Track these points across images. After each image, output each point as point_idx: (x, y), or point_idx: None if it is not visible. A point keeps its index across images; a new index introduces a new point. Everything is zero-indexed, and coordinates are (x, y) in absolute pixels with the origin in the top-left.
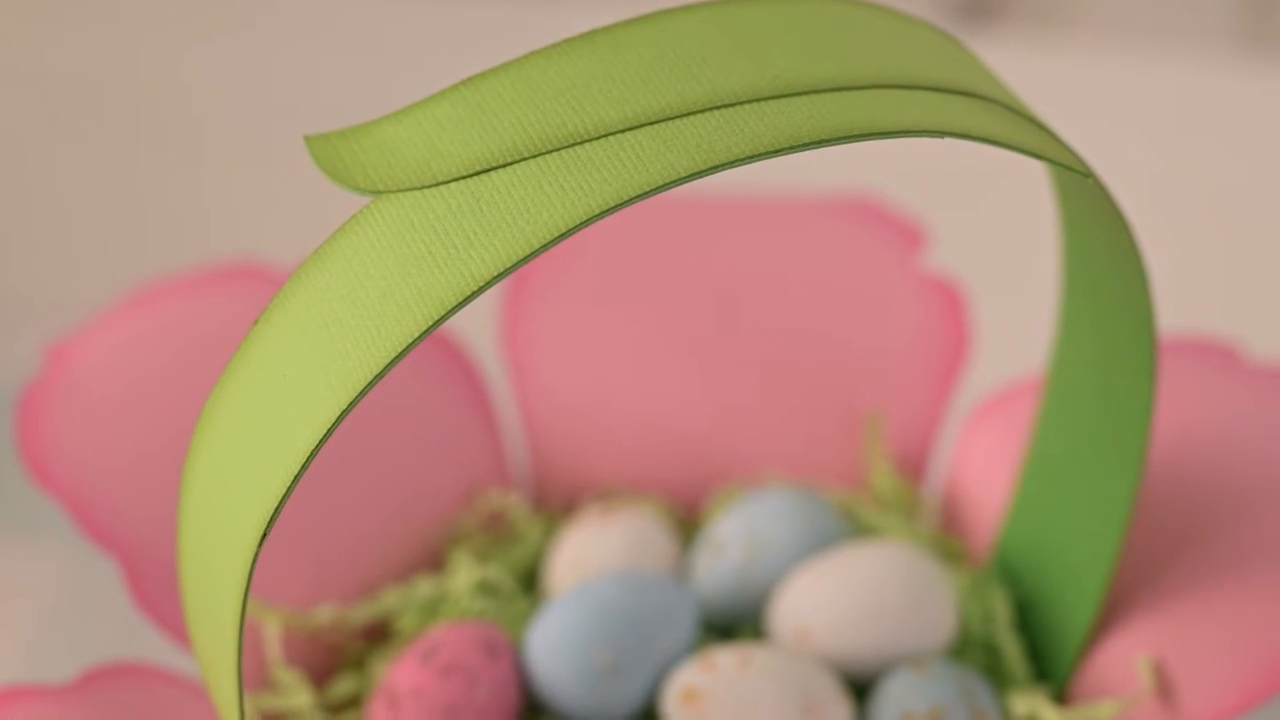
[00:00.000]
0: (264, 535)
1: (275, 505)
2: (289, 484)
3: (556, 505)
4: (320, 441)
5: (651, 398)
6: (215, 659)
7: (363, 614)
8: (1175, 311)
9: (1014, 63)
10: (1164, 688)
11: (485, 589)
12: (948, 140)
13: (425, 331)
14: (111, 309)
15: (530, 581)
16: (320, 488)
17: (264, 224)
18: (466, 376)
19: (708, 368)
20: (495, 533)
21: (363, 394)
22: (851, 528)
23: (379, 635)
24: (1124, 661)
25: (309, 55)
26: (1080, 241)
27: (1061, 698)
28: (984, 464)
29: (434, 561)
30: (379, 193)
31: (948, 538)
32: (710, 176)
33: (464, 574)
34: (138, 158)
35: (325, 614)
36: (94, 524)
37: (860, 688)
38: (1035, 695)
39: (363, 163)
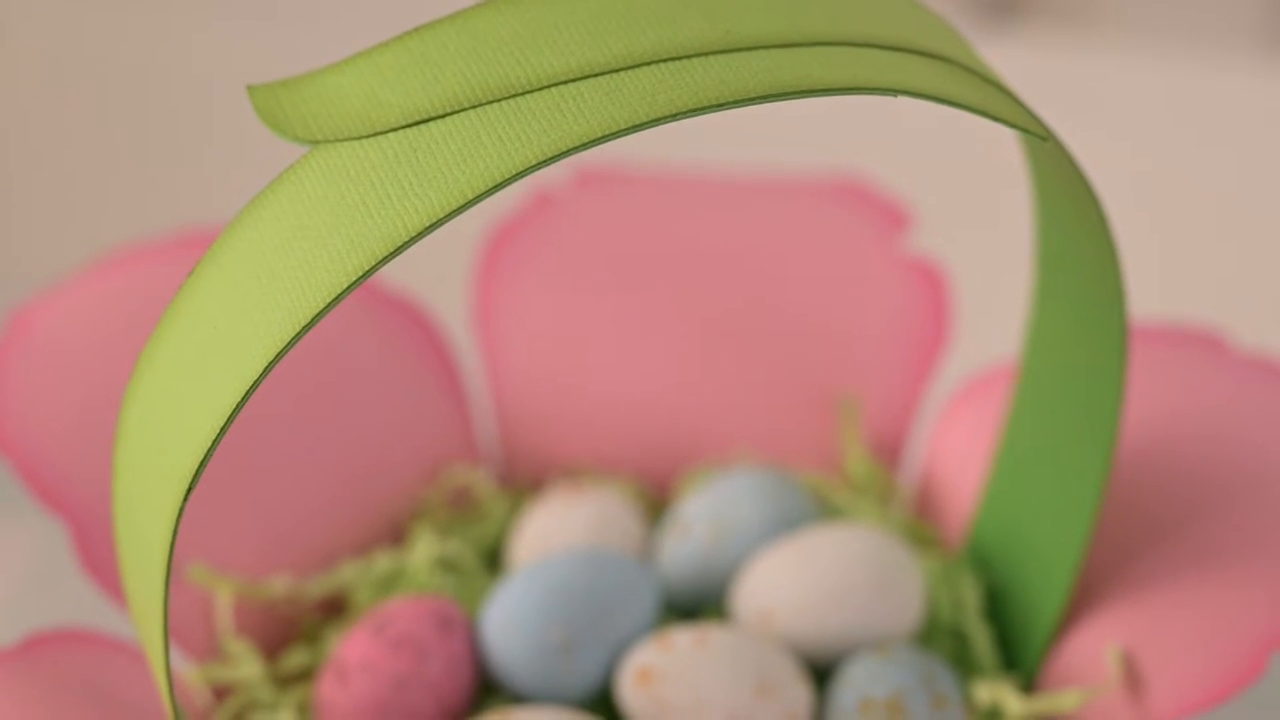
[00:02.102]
0: (190, 488)
1: (201, 458)
2: (215, 436)
3: (524, 482)
4: (247, 393)
5: (625, 376)
6: (145, 615)
7: (319, 587)
8: (1195, 310)
9: (1039, 61)
10: (1132, 679)
11: (445, 565)
12: (938, 122)
13: (355, 281)
14: (75, 275)
15: (494, 559)
16: (281, 457)
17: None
18: (436, 350)
19: (683, 347)
20: (460, 508)
21: (291, 344)
22: (822, 510)
23: (336, 609)
24: (1093, 651)
25: (284, 31)
26: (1050, 214)
27: (1031, 687)
28: (961, 449)
29: (396, 536)
30: (317, 142)
31: (921, 523)
32: (701, 160)
33: (423, 549)
34: (122, 134)
35: (279, 585)
36: (45, 487)
37: (825, 672)
38: (999, 683)
39: (302, 112)
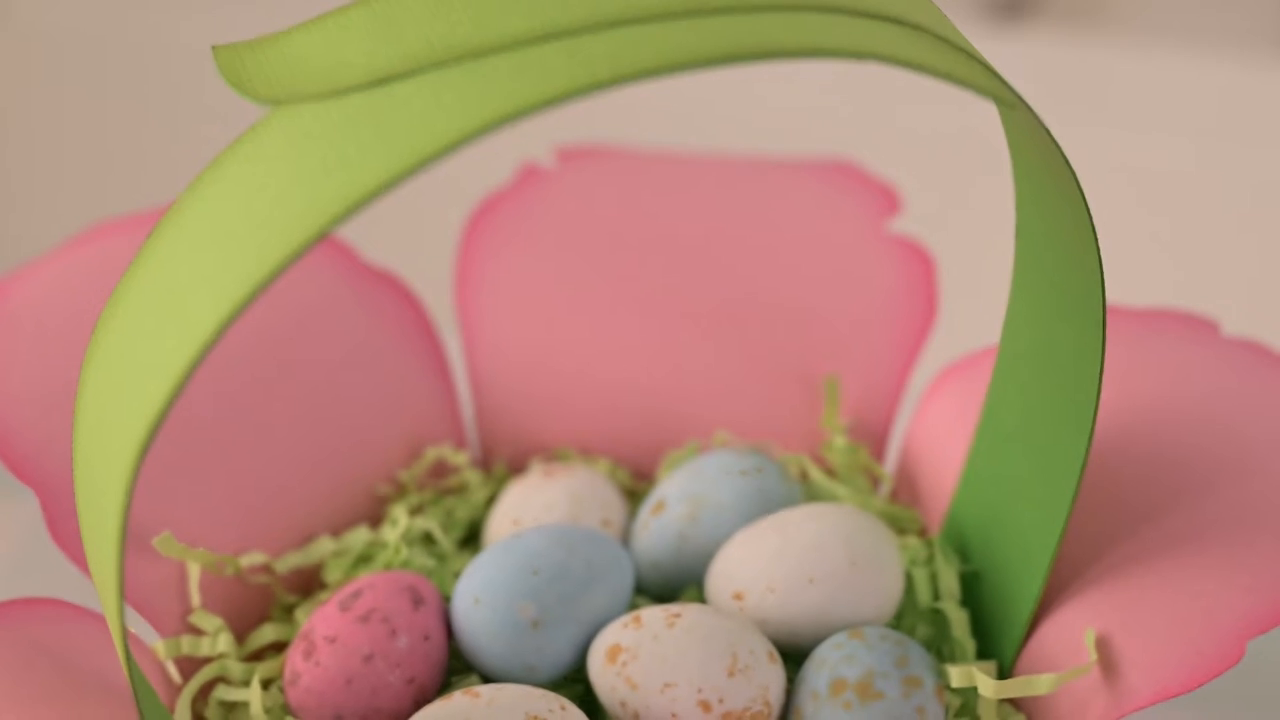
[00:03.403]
0: (143, 449)
1: (155, 418)
2: (169, 396)
3: (504, 462)
4: (201, 352)
5: (607, 356)
6: (103, 578)
7: (291, 562)
8: (1203, 305)
9: (1047, 59)
10: (1108, 663)
11: (421, 542)
12: (928, 107)
13: (311, 240)
14: (56, 247)
15: (473, 540)
16: (259, 431)
17: None
18: (421, 327)
19: (668, 327)
20: (440, 488)
21: (246, 303)
22: (801, 492)
23: (314, 587)
24: (1071, 635)
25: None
26: (1027, 189)
27: (1009, 671)
28: (943, 432)
29: (374, 514)
30: (280, 102)
31: (902, 507)
32: (686, 143)
33: (400, 526)
34: (112, 111)
35: (252, 559)
36: (17, 458)
37: (802, 655)
38: (974, 666)
39: (266, 72)
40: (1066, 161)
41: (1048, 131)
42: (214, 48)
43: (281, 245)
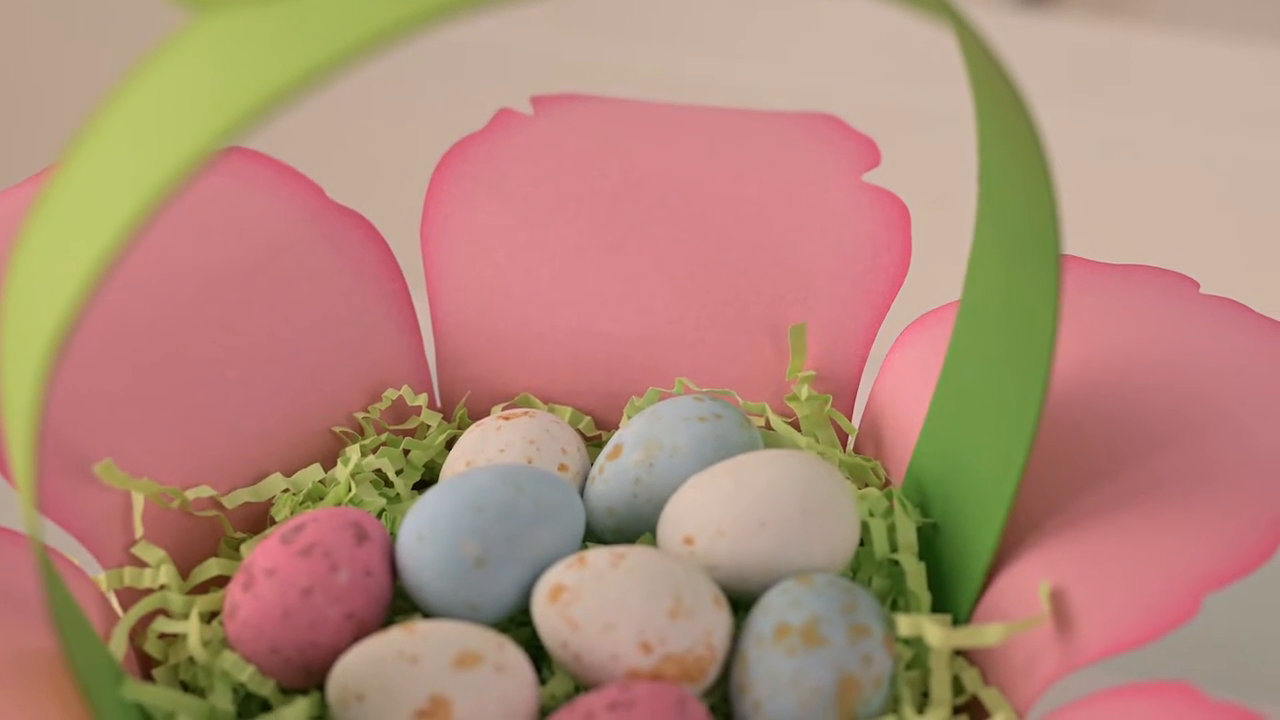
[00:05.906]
0: (53, 352)
1: (63, 323)
2: (76, 301)
3: (466, 410)
4: (110, 254)
5: (574, 305)
6: (20, 491)
7: (240, 497)
8: (1236, 294)
9: (1073, 45)
10: (1061, 615)
11: (373, 482)
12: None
13: (220, 143)
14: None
15: (430, 484)
16: (217, 367)
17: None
18: (386, 267)
19: (636, 275)
20: (398, 430)
21: (154, 208)
22: (761, 440)
23: (265, 525)
24: (1028, 590)
25: None
26: (988, 130)
27: (965, 623)
28: (909, 384)
29: (332, 456)
30: (203, 5)
31: (865, 458)
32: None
33: (351, 464)
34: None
35: (199, 493)
36: None
37: (752, 601)
38: (923, 617)
39: None
40: (1023, 101)
41: (1003, 65)
42: None
43: (190, 151)
